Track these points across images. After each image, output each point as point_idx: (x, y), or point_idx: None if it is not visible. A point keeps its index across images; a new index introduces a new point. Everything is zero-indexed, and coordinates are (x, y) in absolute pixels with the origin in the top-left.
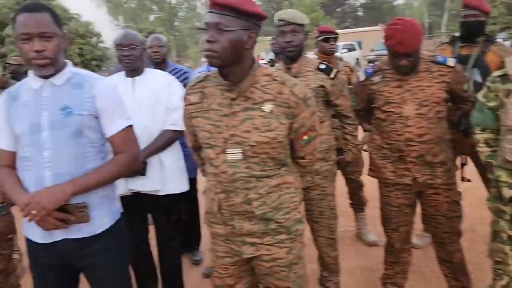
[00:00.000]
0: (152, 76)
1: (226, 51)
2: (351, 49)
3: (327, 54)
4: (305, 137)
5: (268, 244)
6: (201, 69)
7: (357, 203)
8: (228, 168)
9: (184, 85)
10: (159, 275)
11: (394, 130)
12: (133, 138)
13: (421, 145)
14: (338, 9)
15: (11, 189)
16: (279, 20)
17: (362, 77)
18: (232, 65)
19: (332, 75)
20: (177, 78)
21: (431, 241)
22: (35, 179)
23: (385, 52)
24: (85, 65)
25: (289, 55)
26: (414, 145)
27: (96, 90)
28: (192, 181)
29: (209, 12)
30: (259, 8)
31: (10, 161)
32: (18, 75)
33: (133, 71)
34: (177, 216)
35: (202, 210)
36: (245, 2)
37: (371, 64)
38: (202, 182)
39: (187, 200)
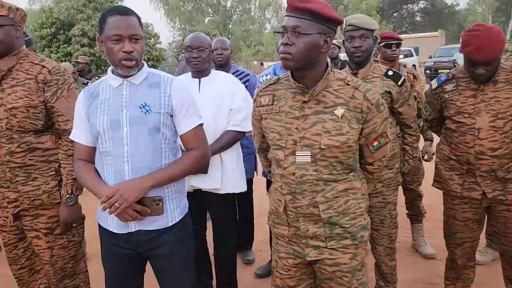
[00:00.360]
0: (217, 77)
1: (302, 54)
2: (407, 55)
3: (388, 60)
4: (375, 143)
5: (332, 249)
6: (267, 71)
7: (415, 213)
8: (296, 170)
9: (246, 87)
10: (213, 272)
11: (464, 141)
12: (203, 136)
13: (493, 160)
14: (395, 14)
15: (91, 181)
16: (348, 25)
17: (434, 85)
18: (306, 68)
19: (399, 82)
20: (239, 80)
21: (496, 258)
22: (115, 172)
23: (444, 59)
24: None
25: (357, 61)
26: (485, 158)
27: (172, 89)
28: (248, 182)
29: (288, 15)
30: (335, 12)
31: (87, 155)
32: (85, 73)
33: (200, 72)
34: (233, 215)
35: (256, 210)
36: (324, 6)
37: (428, 72)
38: (257, 183)
39: (243, 200)
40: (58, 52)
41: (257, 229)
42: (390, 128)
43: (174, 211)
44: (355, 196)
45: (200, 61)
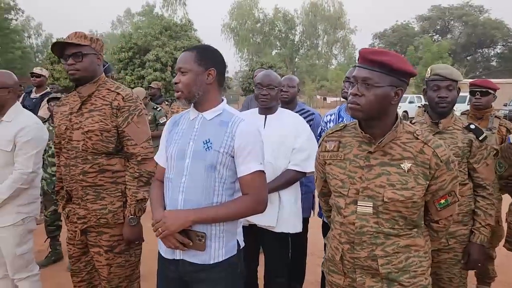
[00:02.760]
0: (283, 115)
1: (371, 106)
2: None
3: (475, 109)
4: (443, 201)
5: None
6: (332, 111)
7: (484, 276)
8: (356, 220)
9: (310, 126)
10: None
11: None
12: (261, 184)
13: None
14: (469, 57)
15: (153, 202)
16: (434, 75)
17: None
18: (375, 119)
19: (481, 138)
20: (303, 118)
21: None
22: (170, 199)
23: None
24: None
25: (440, 111)
26: None
27: (237, 130)
28: (304, 221)
29: (359, 66)
30: (410, 64)
31: (163, 176)
32: (156, 98)
33: (267, 109)
34: (286, 254)
35: (308, 250)
36: (397, 59)
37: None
38: (312, 222)
39: (296, 238)
40: (133, 75)
41: (308, 270)
42: (466, 184)
43: (218, 250)
44: (417, 253)
45: (268, 98)
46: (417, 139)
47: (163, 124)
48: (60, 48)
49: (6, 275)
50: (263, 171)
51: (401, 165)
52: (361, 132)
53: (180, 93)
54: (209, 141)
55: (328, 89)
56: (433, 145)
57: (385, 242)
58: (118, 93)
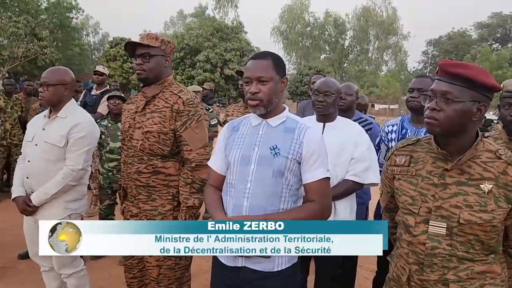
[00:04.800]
0: (342, 124)
1: (450, 122)
2: None
3: None
4: None
5: None
6: (394, 122)
7: None
8: (427, 241)
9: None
10: None
11: None
12: (326, 190)
13: None
14: None
15: (212, 207)
16: (506, 91)
17: None
18: (453, 136)
19: None
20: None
21: None
22: (234, 205)
23: None
24: None
25: None
26: None
27: (305, 137)
28: None
29: (438, 79)
30: (493, 78)
31: (218, 182)
32: (208, 99)
33: (324, 117)
34: (336, 265)
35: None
36: (479, 72)
37: None
38: None
39: None
40: (183, 75)
41: (356, 282)
42: None
43: (282, 257)
44: (494, 281)
45: (324, 105)
46: (500, 159)
47: (214, 125)
48: (132, 48)
49: (52, 268)
50: (329, 178)
51: (480, 185)
52: (437, 148)
53: (259, 101)
54: (276, 147)
55: (377, 95)
56: None
57: (459, 267)
58: (179, 97)
